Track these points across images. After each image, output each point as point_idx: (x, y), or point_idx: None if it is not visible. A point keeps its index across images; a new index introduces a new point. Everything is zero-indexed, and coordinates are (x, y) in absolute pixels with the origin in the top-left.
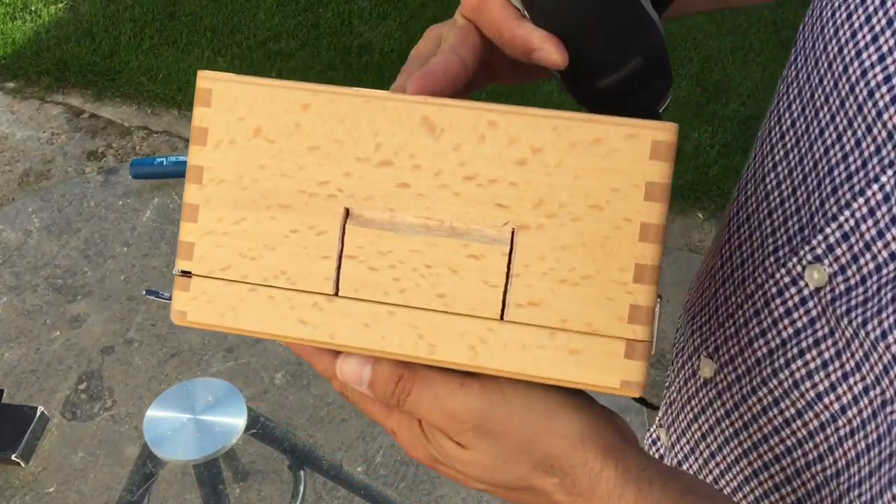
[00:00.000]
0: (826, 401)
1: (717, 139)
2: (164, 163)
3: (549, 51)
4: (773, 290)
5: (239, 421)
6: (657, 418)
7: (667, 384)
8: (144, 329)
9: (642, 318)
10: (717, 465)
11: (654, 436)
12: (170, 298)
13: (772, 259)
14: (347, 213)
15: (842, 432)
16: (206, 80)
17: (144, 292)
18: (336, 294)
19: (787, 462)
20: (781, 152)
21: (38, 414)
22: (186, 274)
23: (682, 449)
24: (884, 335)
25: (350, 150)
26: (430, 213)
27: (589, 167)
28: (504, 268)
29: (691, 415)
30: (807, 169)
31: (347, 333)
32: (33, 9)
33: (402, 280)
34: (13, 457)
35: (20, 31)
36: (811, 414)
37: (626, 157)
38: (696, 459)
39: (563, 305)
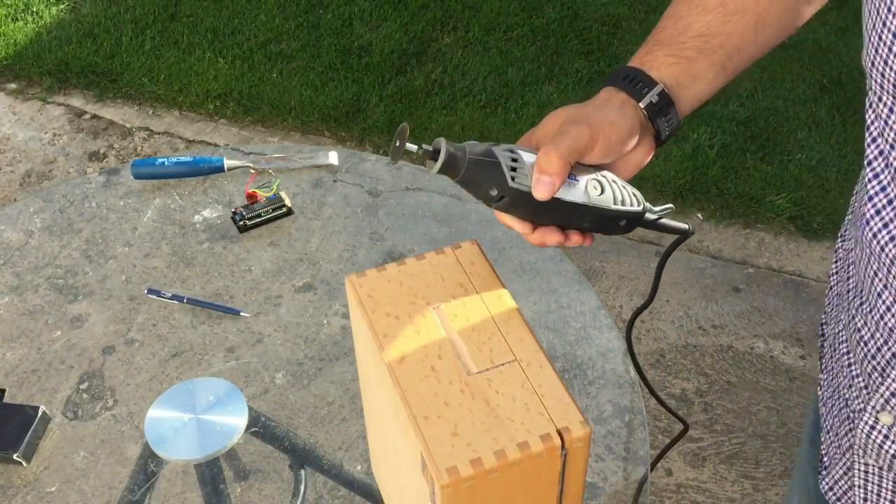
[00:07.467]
0: None
1: (716, 140)
2: (166, 163)
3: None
4: None
5: (240, 420)
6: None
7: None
8: (146, 329)
9: None
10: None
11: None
12: (171, 297)
13: None
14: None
15: None
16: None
17: (146, 292)
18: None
19: None
20: None
21: (40, 414)
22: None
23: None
24: None
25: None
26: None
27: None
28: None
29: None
30: None
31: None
32: (35, 10)
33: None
34: (15, 456)
35: (22, 33)
36: None
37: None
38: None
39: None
